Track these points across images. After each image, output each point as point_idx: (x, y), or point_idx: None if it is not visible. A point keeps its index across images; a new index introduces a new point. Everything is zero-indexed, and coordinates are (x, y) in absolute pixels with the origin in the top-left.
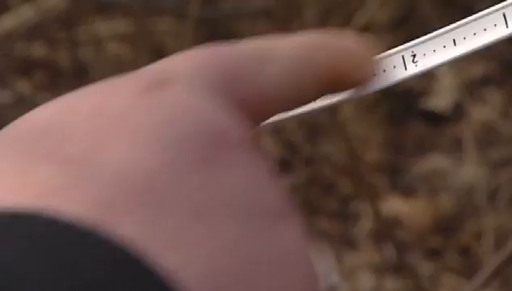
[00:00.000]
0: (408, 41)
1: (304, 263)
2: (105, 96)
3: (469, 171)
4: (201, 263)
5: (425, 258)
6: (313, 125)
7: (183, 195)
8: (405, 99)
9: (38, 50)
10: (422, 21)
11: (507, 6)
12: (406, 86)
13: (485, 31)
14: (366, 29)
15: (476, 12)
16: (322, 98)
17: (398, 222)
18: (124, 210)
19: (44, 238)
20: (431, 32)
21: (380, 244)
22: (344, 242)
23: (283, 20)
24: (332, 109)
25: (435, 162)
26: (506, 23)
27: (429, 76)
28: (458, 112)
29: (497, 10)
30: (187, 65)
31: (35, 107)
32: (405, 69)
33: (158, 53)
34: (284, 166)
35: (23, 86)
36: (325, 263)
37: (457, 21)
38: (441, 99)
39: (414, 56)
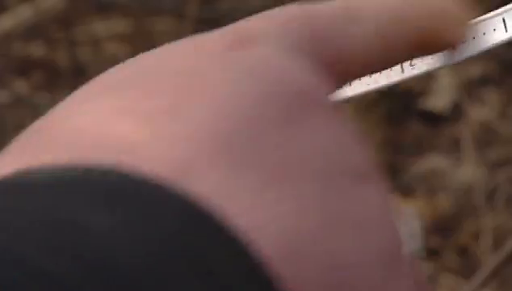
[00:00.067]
0: None
1: (388, 228)
2: (188, 54)
3: (467, 171)
4: (278, 223)
5: (423, 258)
6: None
7: (264, 154)
8: (404, 99)
9: (36, 50)
10: None
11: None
12: (405, 87)
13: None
14: None
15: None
16: (411, 67)
17: None
18: (202, 168)
19: (116, 193)
20: None
21: None
22: None
23: None
24: None
25: (434, 162)
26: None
27: (427, 76)
28: (456, 112)
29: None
30: (273, 23)
31: (33, 107)
32: (506, 31)
33: None
34: None
35: (21, 86)
36: (408, 228)
37: None
38: (439, 99)
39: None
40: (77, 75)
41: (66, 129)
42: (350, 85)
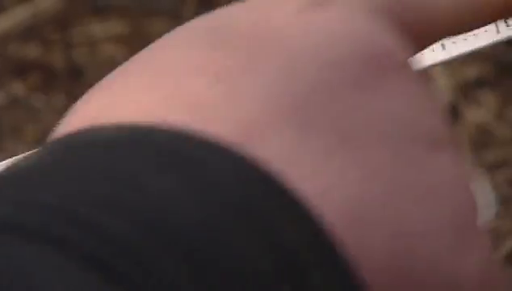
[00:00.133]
0: None
1: (462, 199)
2: (266, 11)
3: None
4: (343, 190)
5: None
6: None
7: (333, 118)
8: None
9: (33, 51)
10: None
11: None
12: None
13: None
14: None
15: None
16: (508, 28)
17: None
18: (268, 131)
19: (177, 155)
20: None
21: None
22: None
23: None
24: None
25: None
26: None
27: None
28: (452, 114)
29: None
30: None
31: (29, 108)
32: None
33: None
34: None
35: (18, 88)
36: (484, 197)
37: None
38: None
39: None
40: (74, 77)
41: (138, 83)
42: (445, 49)
